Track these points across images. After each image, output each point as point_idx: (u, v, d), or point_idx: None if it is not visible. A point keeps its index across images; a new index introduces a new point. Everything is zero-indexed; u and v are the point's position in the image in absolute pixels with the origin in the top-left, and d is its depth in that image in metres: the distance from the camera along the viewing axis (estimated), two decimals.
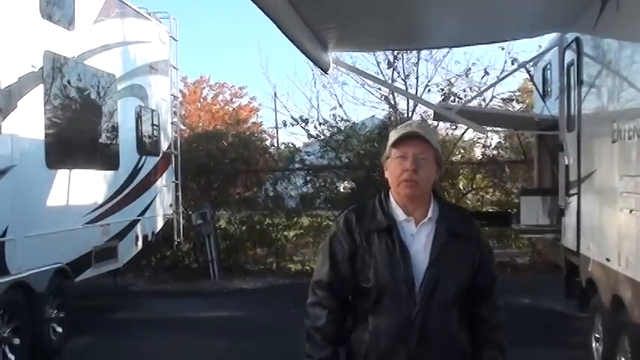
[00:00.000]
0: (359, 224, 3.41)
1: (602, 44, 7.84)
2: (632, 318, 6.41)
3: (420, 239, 3.36)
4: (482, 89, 16.53)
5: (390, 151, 3.42)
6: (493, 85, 14.95)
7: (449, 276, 3.31)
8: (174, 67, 14.49)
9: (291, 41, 7.70)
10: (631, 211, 6.50)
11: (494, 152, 18.01)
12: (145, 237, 12.81)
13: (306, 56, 8.75)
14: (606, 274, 7.33)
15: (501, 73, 16.74)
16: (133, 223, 12.28)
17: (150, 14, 13.43)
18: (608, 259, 7.22)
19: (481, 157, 18.05)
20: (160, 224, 13.70)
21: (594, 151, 8.11)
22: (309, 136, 17.86)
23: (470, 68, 17.32)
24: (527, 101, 19.15)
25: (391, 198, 3.45)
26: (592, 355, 8.13)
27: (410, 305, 3.26)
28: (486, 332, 3.44)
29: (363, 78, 16.74)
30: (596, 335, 8.01)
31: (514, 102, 18.17)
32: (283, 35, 7.29)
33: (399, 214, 3.39)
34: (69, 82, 10.10)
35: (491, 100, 17.25)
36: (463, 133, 17.59)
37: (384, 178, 3.50)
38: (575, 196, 8.80)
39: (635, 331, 6.44)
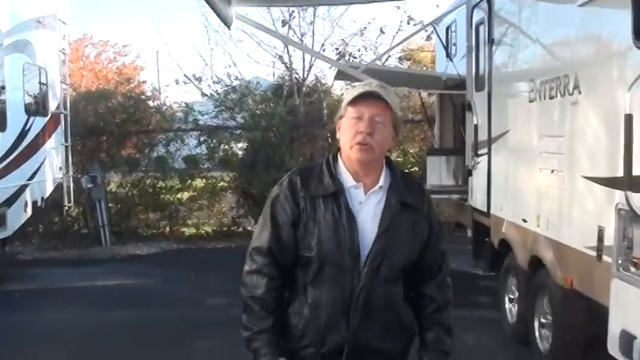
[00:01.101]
0: (304, 188, 3.17)
1: (518, 2, 7.73)
2: (554, 278, 6.40)
3: (368, 208, 3.16)
4: (380, 48, 16.47)
5: (345, 110, 3.17)
6: (398, 44, 14.84)
7: (397, 249, 3.14)
8: (62, 22, 13.69)
9: None
10: (552, 171, 6.44)
11: None
12: (34, 202, 12.21)
13: (212, 9, 8.39)
14: (523, 235, 7.30)
15: (397, 32, 16.71)
16: (22, 189, 11.66)
17: None
18: (524, 220, 7.19)
19: None
20: (49, 189, 13.05)
21: (508, 111, 8.05)
22: (203, 94, 17.39)
23: (365, 27, 17.19)
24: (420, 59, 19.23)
25: (340, 161, 3.22)
26: (505, 316, 8.11)
27: (354, 278, 3.07)
28: (432, 312, 3.28)
29: (258, 37, 16.44)
30: (510, 296, 7.99)
31: (410, 61, 18.17)
32: None
33: (348, 179, 3.17)
34: None
35: (387, 60, 17.15)
36: None
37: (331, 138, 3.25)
38: (485, 157, 8.74)
39: (556, 291, 6.44)
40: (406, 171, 3.11)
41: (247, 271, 3.23)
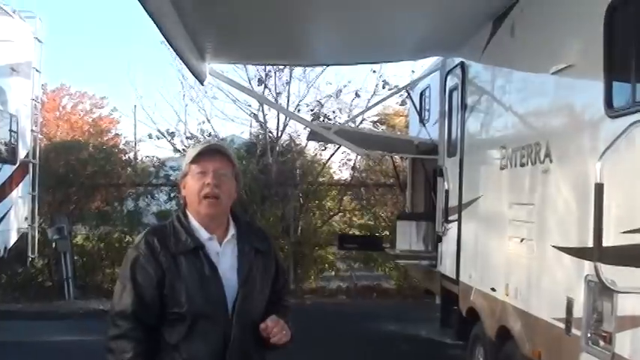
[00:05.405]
0: (163, 247, 3.30)
1: (492, 69, 7.71)
2: (522, 350, 6.24)
3: (226, 258, 3.37)
4: (354, 111, 16.46)
5: (188, 168, 3.39)
6: (372, 107, 14.85)
7: (258, 292, 3.40)
8: (37, 71, 13.63)
9: (172, 47, 7.46)
10: (522, 239, 6.34)
11: (363, 175, 17.94)
12: None
13: (185, 65, 8.39)
14: (491, 304, 7.16)
15: (372, 96, 16.72)
16: None
17: (14, 12, 12.58)
18: (493, 289, 7.06)
19: (350, 179, 17.89)
20: (13, 239, 12.82)
21: (479, 177, 7.98)
22: (175, 150, 17.28)
23: (341, 90, 17.20)
24: (394, 123, 19.27)
25: (191, 218, 3.40)
26: None
27: (227, 327, 3.26)
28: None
29: (234, 94, 16.43)
30: None
31: (384, 125, 18.20)
32: (165, 41, 7.00)
33: (203, 233, 3.36)
34: None
35: (361, 122, 17.14)
36: (332, 154, 17.39)
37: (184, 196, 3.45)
38: (455, 223, 8.65)
39: None
40: (248, 220, 3.37)
41: (112, 337, 3.26)
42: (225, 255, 3.36)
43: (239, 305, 3.27)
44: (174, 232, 3.35)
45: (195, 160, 3.37)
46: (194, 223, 3.37)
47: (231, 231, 3.42)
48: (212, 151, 3.39)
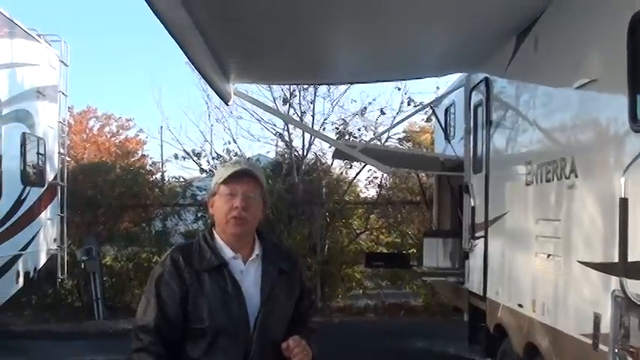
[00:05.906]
0: (187, 264, 3.37)
1: (516, 85, 7.70)
2: None
3: (249, 276, 3.43)
4: (380, 129, 16.48)
5: (217, 188, 3.45)
6: (397, 124, 14.88)
7: (280, 311, 3.45)
8: (63, 94, 13.82)
9: (196, 68, 7.52)
10: (548, 255, 6.30)
11: (390, 193, 17.92)
12: (26, 273, 12.11)
13: (210, 85, 8.46)
14: (519, 321, 7.12)
15: (397, 113, 16.74)
16: (15, 259, 11.57)
17: (40, 36, 12.76)
18: (520, 305, 7.02)
19: (376, 197, 17.89)
20: (42, 260, 12.96)
21: (505, 194, 7.95)
22: (202, 170, 17.39)
23: (366, 107, 17.23)
24: (420, 141, 19.26)
25: (216, 236, 3.48)
26: None
27: (247, 344, 3.31)
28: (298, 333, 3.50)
29: (259, 114, 16.52)
30: None
31: (409, 142, 18.21)
32: (189, 62, 7.04)
33: (227, 252, 3.43)
34: None
35: (387, 140, 17.16)
36: (358, 172, 17.43)
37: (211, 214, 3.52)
38: (482, 239, 8.61)
39: None
40: (274, 240, 3.51)
41: (134, 350, 3.34)
42: (248, 273, 3.42)
43: (260, 323, 3.33)
44: (199, 250, 3.42)
45: (224, 180, 3.41)
46: (219, 241, 3.45)
47: (257, 251, 3.49)
48: (241, 173, 3.43)
